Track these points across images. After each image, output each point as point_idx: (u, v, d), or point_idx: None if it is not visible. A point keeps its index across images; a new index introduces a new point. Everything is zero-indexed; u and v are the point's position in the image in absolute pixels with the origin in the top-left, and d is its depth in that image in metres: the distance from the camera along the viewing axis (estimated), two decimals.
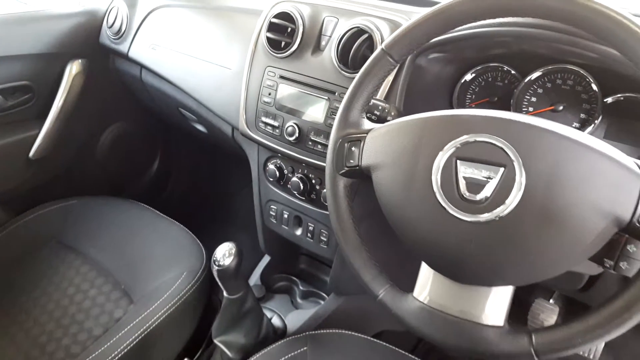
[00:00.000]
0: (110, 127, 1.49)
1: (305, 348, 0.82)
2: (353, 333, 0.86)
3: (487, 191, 0.49)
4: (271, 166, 1.00)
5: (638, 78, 0.64)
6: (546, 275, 0.50)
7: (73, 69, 1.26)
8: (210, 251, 0.85)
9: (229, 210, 1.82)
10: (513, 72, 0.82)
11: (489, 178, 0.49)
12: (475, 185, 0.50)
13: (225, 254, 0.78)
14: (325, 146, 0.85)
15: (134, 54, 1.25)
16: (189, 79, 1.11)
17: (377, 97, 0.77)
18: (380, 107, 0.69)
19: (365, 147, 0.61)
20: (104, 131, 1.48)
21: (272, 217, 1.09)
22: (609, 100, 0.74)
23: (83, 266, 1.05)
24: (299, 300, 1.24)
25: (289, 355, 0.81)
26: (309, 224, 1.02)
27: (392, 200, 0.57)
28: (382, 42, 0.62)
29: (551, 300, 0.98)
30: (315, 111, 0.87)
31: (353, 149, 0.62)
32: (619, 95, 0.73)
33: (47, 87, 1.26)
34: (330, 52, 0.84)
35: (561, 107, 0.77)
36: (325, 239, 1.02)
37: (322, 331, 0.86)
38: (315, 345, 0.83)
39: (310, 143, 0.88)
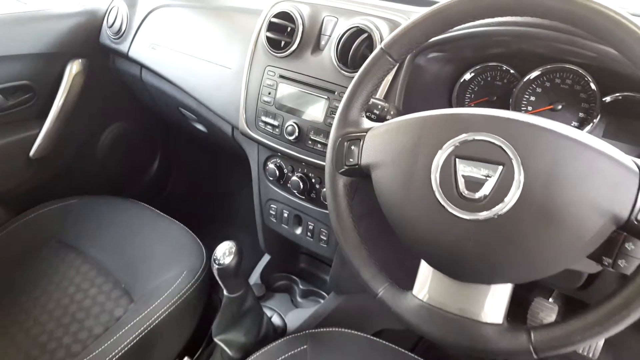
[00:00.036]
0: (111, 126, 1.49)
1: (305, 346, 0.83)
2: (353, 331, 0.86)
3: (486, 189, 0.49)
4: (271, 165, 1.00)
5: (636, 77, 0.64)
6: (545, 273, 0.50)
7: (73, 68, 1.27)
8: (210, 250, 0.85)
9: (229, 210, 1.83)
10: (512, 71, 0.82)
11: (488, 176, 0.50)
12: (474, 184, 0.50)
13: (225, 252, 0.78)
14: (325, 145, 0.85)
15: (134, 53, 1.25)
16: (189, 78, 1.12)
17: (377, 96, 0.78)
18: (379, 106, 0.69)
19: (364, 145, 0.61)
20: (104, 131, 1.48)
21: (272, 216, 1.09)
22: (608, 99, 0.74)
23: (83, 265, 1.05)
24: (298, 299, 1.24)
25: (289, 353, 0.81)
26: (309, 223, 1.03)
27: (392, 198, 0.57)
28: (381, 42, 0.62)
29: (550, 299, 0.98)
30: (315, 110, 0.87)
31: (352, 147, 0.62)
32: (617, 94, 0.74)
33: (48, 87, 1.26)
34: (329, 51, 0.84)
35: (560, 106, 0.77)
36: (325, 238, 1.02)
37: (322, 329, 0.87)
38: (315, 344, 0.83)
39: (310, 142, 0.88)
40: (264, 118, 0.94)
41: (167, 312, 0.92)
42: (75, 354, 0.88)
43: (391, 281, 0.61)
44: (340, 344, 0.85)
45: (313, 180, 0.96)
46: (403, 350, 0.82)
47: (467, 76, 0.86)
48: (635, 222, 0.46)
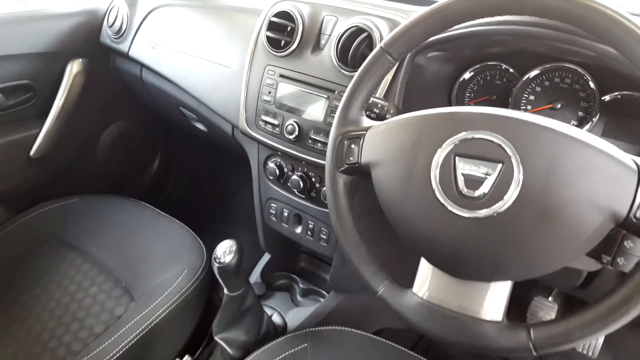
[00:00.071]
0: (111, 126, 1.50)
1: (305, 345, 0.83)
2: (353, 330, 0.86)
3: (485, 187, 0.50)
4: (271, 164, 1.01)
5: (635, 76, 0.64)
6: (544, 270, 0.50)
7: (74, 68, 1.27)
8: (210, 249, 0.85)
9: (229, 209, 1.83)
10: (511, 70, 0.82)
11: (487, 174, 0.50)
12: (474, 182, 0.50)
13: (225, 251, 0.79)
14: (325, 144, 0.85)
15: (134, 53, 1.25)
16: (190, 78, 1.12)
17: (377, 95, 0.78)
18: (379, 105, 0.69)
19: (364, 144, 0.61)
20: (105, 130, 1.49)
21: (272, 215, 1.10)
22: (607, 98, 0.74)
23: (84, 264, 1.06)
24: (299, 297, 1.24)
25: (290, 351, 0.82)
26: (309, 221, 1.03)
27: (392, 197, 0.58)
28: (381, 41, 0.62)
29: (550, 298, 0.98)
30: (315, 110, 0.87)
31: (352, 146, 0.62)
32: (616, 93, 0.74)
33: (48, 86, 1.26)
34: (329, 50, 0.85)
35: (559, 105, 0.77)
36: (325, 237, 1.02)
37: (322, 328, 0.87)
38: (315, 342, 0.84)
39: (310, 141, 0.89)
40: (264, 117, 0.94)
41: (167, 311, 0.92)
42: (76, 353, 0.88)
43: (391, 279, 0.61)
44: (341, 342, 0.85)
45: (313, 179, 0.96)
46: (403, 348, 0.83)
47: (467, 75, 0.87)
48: (634, 220, 0.46)
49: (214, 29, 1.10)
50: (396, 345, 0.83)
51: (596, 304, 0.48)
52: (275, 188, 1.05)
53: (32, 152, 1.25)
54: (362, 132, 0.62)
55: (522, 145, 0.49)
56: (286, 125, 0.90)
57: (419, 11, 0.59)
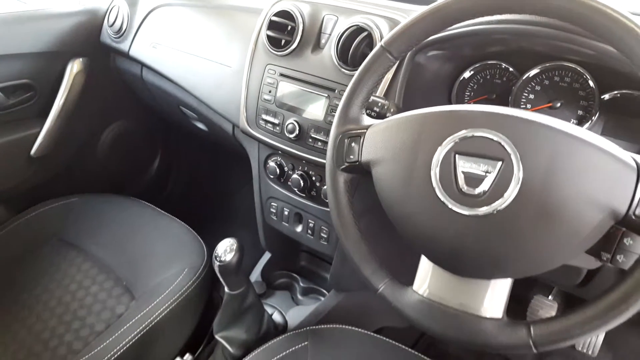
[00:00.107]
0: (111, 125, 1.50)
1: (306, 343, 0.83)
2: (354, 328, 0.86)
3: (485, 185, 0.50)
4: (272, 163, 1.01)
5: (635, 75, 0.65)
6: (544, 267, 0.50)
7: (74, 67, 1.27)
8: (210, 248, 0.86)
9: (230, 208, 1.83)
10: (511, 69, 0.82)
11: (487, 172, 0.50)
12: (474, 180, 0.51)
13: (226, 249, 0.79)
14: (325, 143, 0.85)
15: (134, 52, 1.25)
16: (190, 77, 1.12)
17: (377, 93, 0.78)
18: (379, 104, 0.70)
19: (365, 142, 0.61)
20: (105, 129, 1.49)
21: (273, 214, 1.10)
22: (606, 97, 0.75)
23: (85, 263, 1.06)
24: (299, 296, 1.24)
25: (290, 350, 0.82)
26: (309, 220, 1.03)
27: (392, 195, 0.58)
28: (381, 40, 0.63)
29: (550, 297, 0.98)
30: (315, 108, 0.87)
31: (353, 144, 0.62)
32: (615, 92, 0.74)
33: (49, 86, 1.26)
34: (330, 50, 0.85)
35: (559, 104, 0.77)
36: (325, 236, 1.02)
37: (323, 326, 0.87)
38: (316, 340, 0.84)
39: (310, 140, 0.89)
40: (264, 116, 0.94)
41: (168, 310, 0.92)
42: (77, 351, 0.88)
43: (392, 277, 0.62)
44: (341, 341, 0.85)
45: (313, 178, 0.96)
46: (404, 347, 0.83)
47: (467, 74, 0.87)
48: (634, 217, 0.46)
49: (215, 29, 1.10)
50: (397, 344, 0.83)
51: (596, 301, 0.48)
52: (276, 187, 1.05)
53: (32, 152, 1.26)
54: (363, 131, 0.62)
55: (522, 143, 0.49)
56: (286, 124, 0.90)
57: (418, 10, 0.59)
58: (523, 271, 0.52)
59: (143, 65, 1.26)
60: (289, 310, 1.14)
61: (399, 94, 0.79)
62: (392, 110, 0.70)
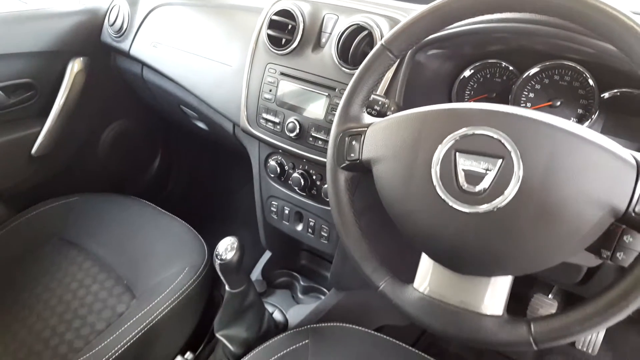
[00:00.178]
0: (112, 124, 1.50)
1: (306, 341, 0.83)
2: (354, 326, 0.86)
3: (485, 183, 0.50)
4: (272, 162, 1.01)
5: (634, 73, 0.65)
6: (544, 265, 0.51)
7: (75, 66, 1.27)
8: (211, 247, 0.86)
9: (230, 207, 1.83)
10: (511, 68, 0.83)
11: (488, 170, 0.50)
12: (474, 177, 0.51)
13: (227, 248, 0.79)
14: (326, 142, 0.86)
15: (135, 51, 1.25)
16: (190, 76, 1.12)
17: (377, 92, 0.78)
18: (380, 102, 0.70)
19: (365, 140, 0.61)
20: (106, 129, 1.49)
21: (273, 213, 1.10)
22: (606, 95, 0.75)
23: (85, 262, 1.06)
24: (300, 295, 1.24)
25: (291, 348, 0.82)
26: (310, 219, 1.03)
27: (393, 193, 0.58)
28: (381, 39, 0.63)
29: (550, 295, 0.99)
30: (316, 107, 0.87)
31: (354, 142, 0.63)
32: (615, 90, 0.74)
33: (49, 85, 1.26)
34: (330, 48, 0.85)
35: (559, 103, 0.78)
36: (325, 235, 1.02)
37: (323, 324, 0.87)
38: (316, 338, 0.84)
39: (310, 139, 0.89)
40: (265, 115, 0.94)
41: (169, 308, 0.92)
42: (78, 350, 0.88)
43: (392, 274, 0.62)
44: (342, 339, 0.85)
45: (314, 177, 0.97)
46: (404, 345, 0.83)
47: (467, 73, 0.87)
48: (633, 215, 0.47)
49: (215, 28, 1.10)
50: (397, 342, 0.83)
51: (595, 298, 0.48)
52: (276, 186, 1.05)
53: (33, 151, 1.26)
54: (363, 129, 0.62)
55: (522, 141, 0.49)
56: (287, 123, 0.90)
57: (419, 9, 0.59)
58: (523, 268, 0.52)
59: (143, 64, 1.26)
60: (290, 309, 1.14)
61: (399, 92, 0.79)
62: (392, 108, 0.70)
